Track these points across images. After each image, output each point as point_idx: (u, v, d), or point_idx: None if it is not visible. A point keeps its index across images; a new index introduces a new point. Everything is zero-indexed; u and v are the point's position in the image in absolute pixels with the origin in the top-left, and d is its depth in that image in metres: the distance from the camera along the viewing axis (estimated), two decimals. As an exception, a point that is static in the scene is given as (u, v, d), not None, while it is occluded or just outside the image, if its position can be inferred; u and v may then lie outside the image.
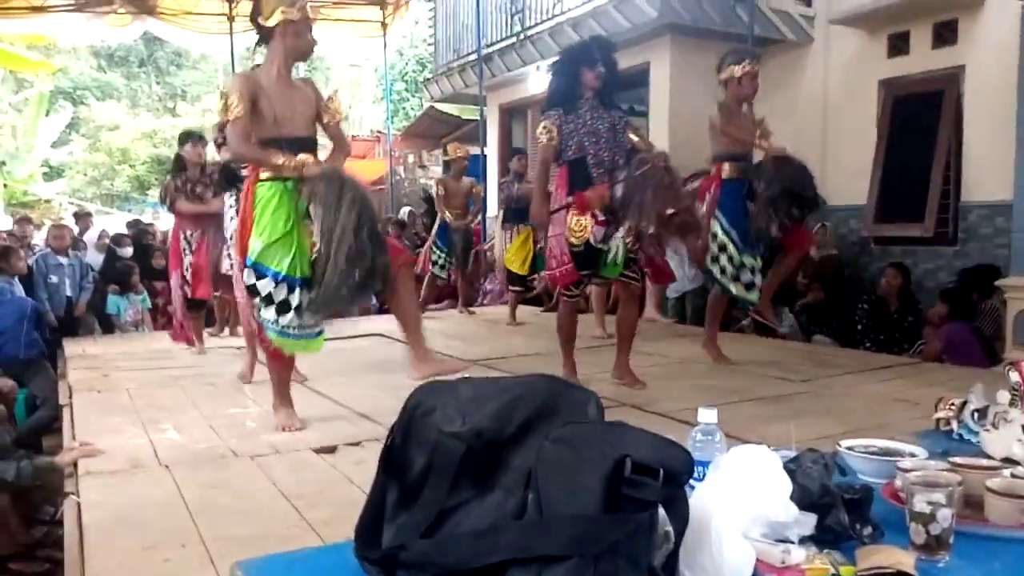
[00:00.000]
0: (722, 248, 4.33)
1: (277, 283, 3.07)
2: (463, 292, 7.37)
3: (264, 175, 3.12)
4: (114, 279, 7.11)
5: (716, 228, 4.32)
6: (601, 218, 3.70)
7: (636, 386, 3.89)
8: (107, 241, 7.86)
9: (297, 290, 3.08)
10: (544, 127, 3.81)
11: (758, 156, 4.46)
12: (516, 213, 6.45)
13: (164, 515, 2.30)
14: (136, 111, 23.03)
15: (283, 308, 3.08)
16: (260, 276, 3.08)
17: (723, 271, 4.33)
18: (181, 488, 2.53)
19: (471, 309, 7.39)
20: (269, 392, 3.85)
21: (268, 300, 3.08)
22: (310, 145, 3.22)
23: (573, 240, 3.72)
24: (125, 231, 8.30)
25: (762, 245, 4.40)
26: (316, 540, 2.02)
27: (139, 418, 3.51)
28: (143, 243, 7.77)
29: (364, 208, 2.95)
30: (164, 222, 11.42)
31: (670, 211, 3.55)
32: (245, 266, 3.12)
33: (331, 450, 2.97)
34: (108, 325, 6.94)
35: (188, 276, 5.04)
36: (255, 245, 3.08)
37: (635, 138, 3.82)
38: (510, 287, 6.69)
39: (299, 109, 3.19)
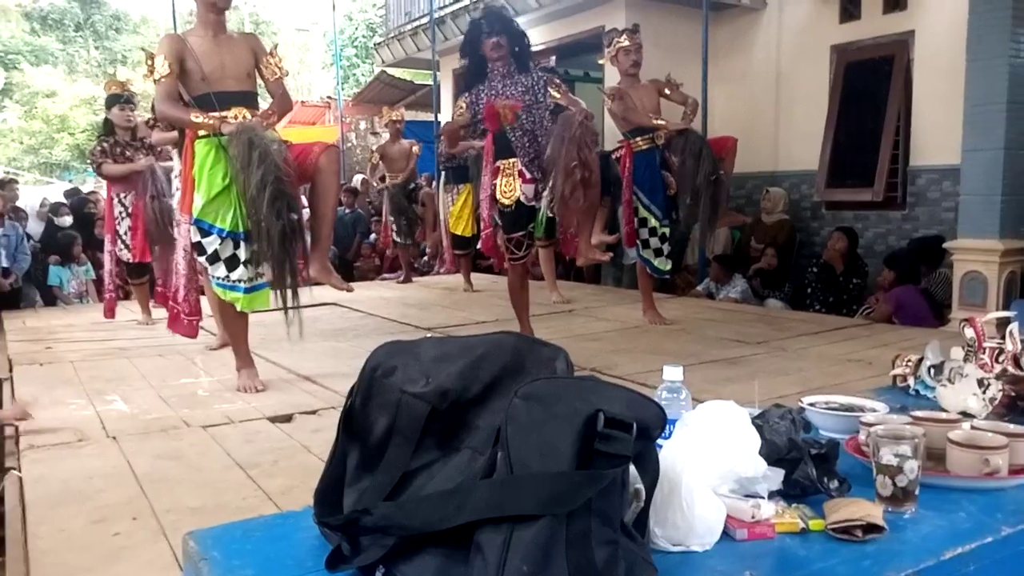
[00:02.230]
0: (652, 232, 4.50)
1: (222, 239, 3.11)
2: (404, 260, 7.28)
3: (200, 132, 3.12)
4: (55, 249, 6.86)
5: (638, 207, 4.48)
6: (528, 176, 3.79)
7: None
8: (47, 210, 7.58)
9: (243, 244, 3.11)
10: (458, 104, 3.99)
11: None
12: (455, 172, 6.31)
13: (113, 488, 2.22)
14: (74, 77, 22.14)
15: (232, 263, 3.12)
16: (205, 233, 3.12)
17: (655, 252, 4.52)
18: (130, 460, 2.45)
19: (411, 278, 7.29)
20: (220, 363, 3.79)
21: (215, 257, 3.13)
22: (246, 100, 3.22)
23: (504, 201, 3.82)
24: (64, 200, 7.99)
25: (676, 211, 4.57)
26: (273, 510, 1.97)
27: (84, 390, 3.39)
28: (84, 212, 7.49)
29: (269, 167, 2.90)
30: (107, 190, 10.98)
31: (573, 163, 3.57)
32: (190, 224, 3.13)
33: (287, 419, 2.91)
34: (50, 297, 6.70)
35: (128, 240, 4.88)
36: (197, 202, 3.10)
37: (557, 95, 3.86)
38: (455, 250, 6.58)
39: (228, 65, 3.18)
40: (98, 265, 6.91)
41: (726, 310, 5.48)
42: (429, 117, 9.73)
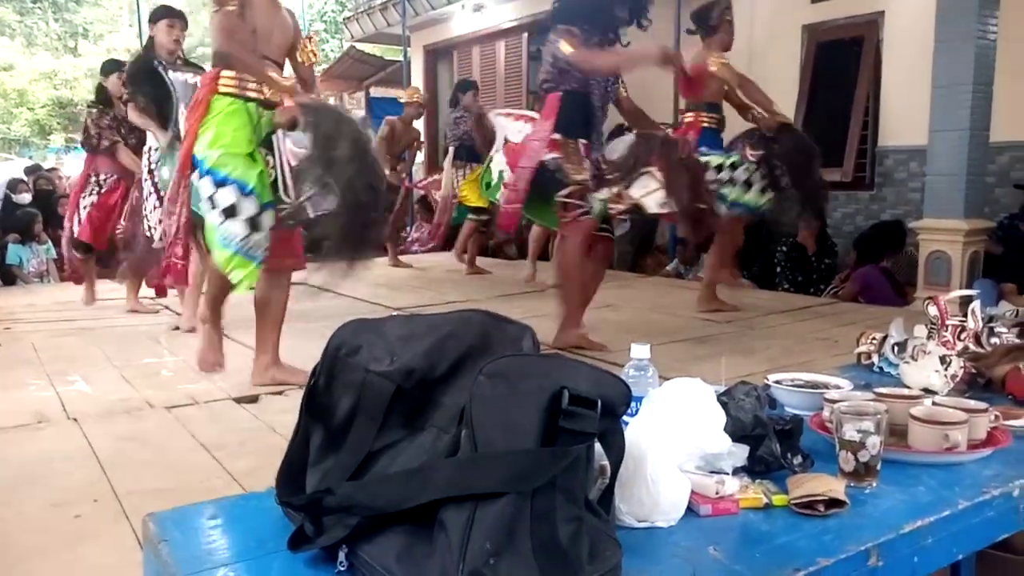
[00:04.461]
0: (726, 168, 4.12)
1: (245, 195, 2.71)
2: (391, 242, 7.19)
3: (225, 88, 2.81)
4: (15, 228, 6.70)
5: (707, 162, 4.05)
6: (594, 172, 3.41)
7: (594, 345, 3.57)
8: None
9: (265, 213, 2.76)
10: (566, 38, 3.30)
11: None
12: (469, 151, 6.25)
13: (73, 470, 2.18)
14: (33, 50, 21.52)
15: (254, 226, 2.72)
16: (220, 184, 2.70)
17: (746, 185, 4.13)
18: (92, 441, 2.41)
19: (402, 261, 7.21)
20: (184, 343, 3.73)
21: (231, 211, 2.69)
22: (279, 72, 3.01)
23: (576, 177, 3.35)
24: (23, 177, 7.80)
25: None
26: (239, 491, 1.95)
27: (45, 370, 3.32)
28: (44, 190, 7.32)
29: (363, 152, 2.63)
30: (69, 167, 10.77)
31: (695, 208, 3.40)
32: (201, 177, 2.75)
33: (253, 400, 2.88)
34: (9, 277, 6.55)
35: (83, 215, 4.65)
36: (212, 154, 2.73)
37: (624, 93, 3.53)
38: (469, 216, 6.35)
39: (276, 32, 2.96)
40: (59, 244, 6.77)
41: (696, 289, 5.50)
42: (399, 94, 9.59)
